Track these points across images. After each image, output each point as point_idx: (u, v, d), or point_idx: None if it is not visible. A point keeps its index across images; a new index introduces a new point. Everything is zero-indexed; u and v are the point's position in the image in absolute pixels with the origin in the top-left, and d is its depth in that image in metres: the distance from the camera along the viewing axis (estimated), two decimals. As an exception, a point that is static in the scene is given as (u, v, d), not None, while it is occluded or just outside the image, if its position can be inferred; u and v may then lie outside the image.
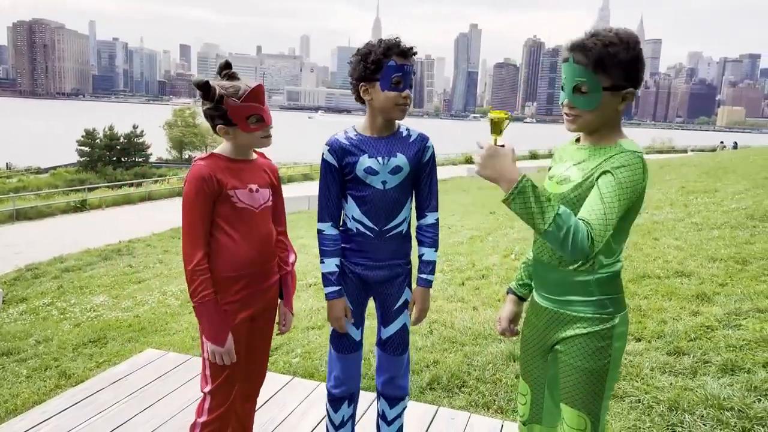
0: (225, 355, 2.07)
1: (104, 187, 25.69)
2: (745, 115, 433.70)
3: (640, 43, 1.68)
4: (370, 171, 2.17)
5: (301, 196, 17.65)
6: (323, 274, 2.25)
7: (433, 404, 3.22)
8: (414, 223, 2.33)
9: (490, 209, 11.40)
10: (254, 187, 2.19)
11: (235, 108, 2.06)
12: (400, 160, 2.20)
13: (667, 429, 2.84)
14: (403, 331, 2.35)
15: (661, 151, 41.95)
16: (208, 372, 2.14)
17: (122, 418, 2.97)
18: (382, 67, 2.10)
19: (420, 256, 2.32)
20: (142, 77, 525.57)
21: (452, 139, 70.24)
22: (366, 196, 2.19)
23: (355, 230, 2.23)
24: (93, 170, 37.53)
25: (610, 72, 1.65)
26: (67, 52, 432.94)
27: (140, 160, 41.39)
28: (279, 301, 2.37)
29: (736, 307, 4.16)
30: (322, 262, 2.25)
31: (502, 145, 1.67)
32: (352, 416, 2.45)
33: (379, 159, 2.18)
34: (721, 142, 44.64)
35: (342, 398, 2.39)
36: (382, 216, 2.20)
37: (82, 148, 39.30)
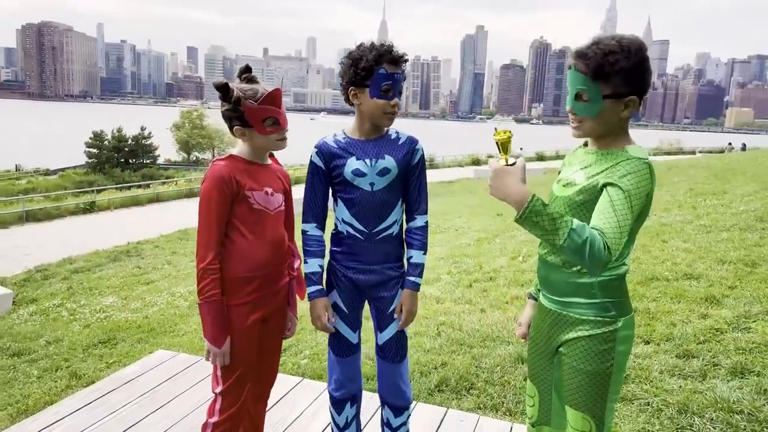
0: (220, 357, 2.10)
1: (112, 188, 25.85)
2: (754, 116, 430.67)
3: (644, 49, 1.68)
4: (357, 173, 2.18)
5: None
6: (306, 274, 2.26)
7: (442, 406, 3.22)
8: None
9: (497, 211, 11.38)
10: (269, 190, 2.22)
11: (252, 110, 2.10)
12: (388, 162, 2.20)
13: (677, 432, 2.84)
14: (401, 337, 2.34)
15: (668, 153, 41.73)
16: (219, 373, 2.16)
17: (134, 419, 3.00)
18: (373, 74, 2.10)
19: (408, 259, 2.32)
20: (150, 79, 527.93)
21: (459, 141, 70.18)
22: (354, 198, 2.20)
23: (345, 233, 2.25)
24: (101, 172, 37.72)
25: (610, 80, 1.65)
26: (76, 54, 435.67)
27: (148, 161, 41.55)
28: (287, 306, 2.39)
29: (746, 309, 4.15)
30: (305, 262, 2.26)
31: (513, 163, 1.67)
32: (356, 416, 2.47)
33: (367, 161, 2.19)
34: (729, 144, 44.39)
35: (344, 400, 2.40)
36: (371, 218, 2.20)
37: (91, 149, 39.52)
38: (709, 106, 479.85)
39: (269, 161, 2.32)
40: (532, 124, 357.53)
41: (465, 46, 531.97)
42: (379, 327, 2.34)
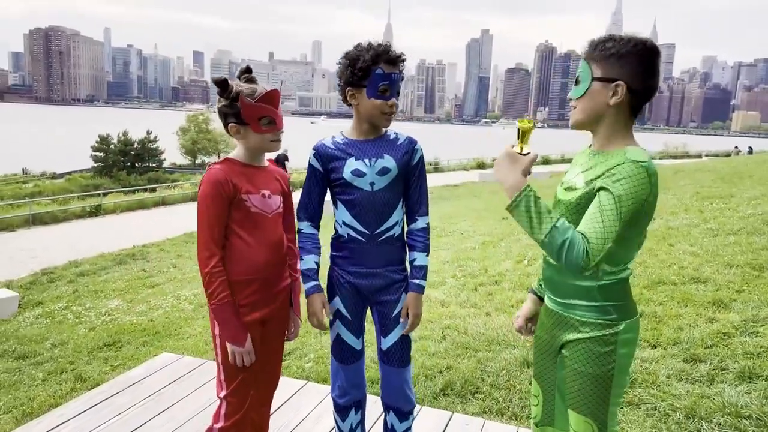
0: (246, 355, 2.09)
1: (118, 192, 25.96)
2: (760, 119, 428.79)
3: (650, 45, 1.67)
4: (357, 173, 2.16)
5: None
6: (302, 272, 2.25)
7: (447, 410, 3.21)
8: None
9: (502, 214, 11.34)
10: (267, 192, 2.21)
11: (249, 107, 2.09)
12: (388, 161, 2.18)
13: (684, 437, 2.81)
14: (404, 341, 2.30)
15: (675, 156, 41.57)
16: (222, 377, 2.15)
17: (139, 421, 3.00)
18: (370, 75, 2.09)
19: (411, 261, 2.29)
20: (156, 83, 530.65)
21: (464, 145, 70.14)
22: (354, 199, 2.17)
23: (346, 236, 2.21)
24: (107, 175, 37.90)
25: (602, 62, 1.68)
26: (83, 58, 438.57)
27: (154, 165, 41.75)
28: (289, 307, 2.38)
29: (754, 314, 4.12)
30: (301, 259, 2.25)
31: (527, 153, 1.72)
32: (361, 422, 2.44)
33: (366, 161, 2.17)
34: (736, 147, 44.20)
35: (348, 407, 2.36)
36: (372, 219, 2.17)
37: (97, 153, 39.74)
38: (715, 109, 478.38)
39: (266, 163, 2.30)
40: (538, 127, 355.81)
41: (470, 50, 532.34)
42: (383, 332, 2.30)
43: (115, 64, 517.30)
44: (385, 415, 2.41)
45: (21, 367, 5.20)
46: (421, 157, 2.30)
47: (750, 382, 3.20)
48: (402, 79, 2.19)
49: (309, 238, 2.27)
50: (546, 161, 38.14)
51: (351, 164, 2.17)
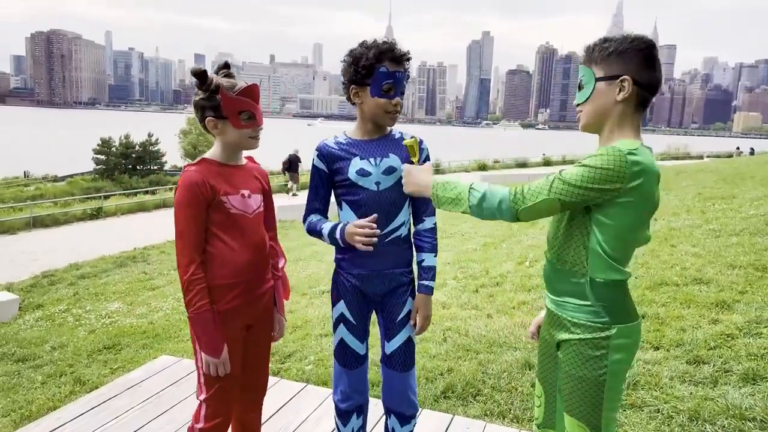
0: (221, 366, 2.03)
1: (120, 194, 25.95)
2: (762, 120, 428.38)
3: (647, 41, 1.68)
4: (362, 173, 2.12)
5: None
6: (329, 236, 2.15)
7: (448, 413, 3.18)
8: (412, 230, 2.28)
9: (503, 216, 11.34)
10: (246, 192, 2.15)
11: (230, 100, 2.02)
12: (393, 160, 2.14)
13: (688, 439, 2.78)
14: (409, 345, 2.26)
15: (676, 158, 41.50)
16: (202, 380, 2.10)
17: (137, 424, 2.98)
18: (373, 73, 2.05)
19: (419, 262, 2.26)
20: (158, 86, 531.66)
21: (465, 146, 70.11)
22: (360, 199, 2.13)
23: None
24: (109, 178, 37.87)
25: (602, 63, 1.68)
26: (84, 62, 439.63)
27: (155, 168, 41.73)
28: (273, 308, 2.32)
29: (757, 315, 4.09)
30: (320, 231, 2.18)
31: (422, 163, 1.94)
32: (362, 427, 2.40)
33: (371, 160, 2.13)
34: (738, 148, 44.15)
35: (350, 412, 2.32)
36: (379, 219, 2.13)
37: (98, 156, 39.74)
38: (716, 110, 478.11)
39: (244, 161, 2.23)
40: (538, 129, 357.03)
41: (471, 52, 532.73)
42: (387, 335, 2.27)
43: (117, 67, 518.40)
44: (386, 419, 2.37)
45: (20, 370, 5.18)
46: (427, 156, 2.26)
47: (754, 384, 3.17)
48: (407, 78, 2.15)
49: (318, 219, 2.23)
50: (547, 163, 38.11)
51: (356, 164, 2.13)
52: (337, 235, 2.13)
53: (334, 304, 2.28)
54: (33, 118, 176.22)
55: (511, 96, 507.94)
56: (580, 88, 1.75)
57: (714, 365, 3.43)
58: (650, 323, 4.17)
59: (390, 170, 2.14)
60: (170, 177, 40.42)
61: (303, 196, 20.92)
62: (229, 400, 2.16)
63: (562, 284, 1.76)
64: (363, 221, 2.11)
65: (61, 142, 71.65)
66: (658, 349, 3.77)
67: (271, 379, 3.56)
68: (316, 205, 2.25)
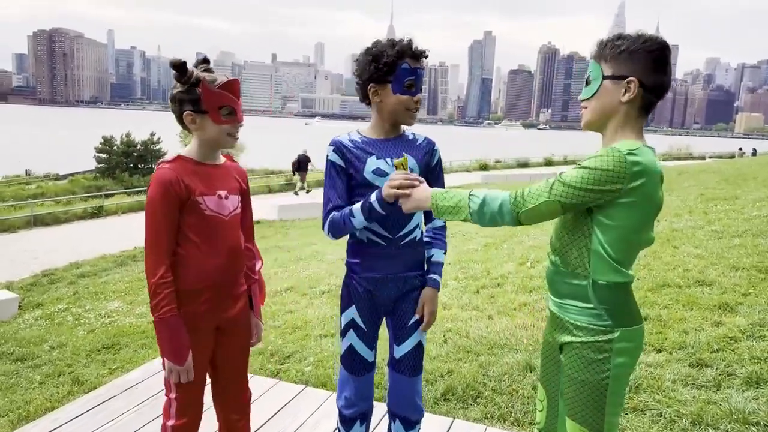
0: (184, 374, 1.98)
1: (121, 193, 25.94)
2: (764, 121, 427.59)
3: (661, 42, 1.64)
4: (378, 172, 2.08)
5: (315, 203, 17.64)
6: (362, 208, 1.99)
7: (448, 416, 3.15)
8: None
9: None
10: (223, 193, 2.07)
11: (211, 93, 1.96)
12: (409, 160, 2.11)
13: (691, 444, 2.75)
14: (418, 350, 2.23)
15: (678, 158, 41.47)
16: (170, 381, 2.04)
17: (134, 426, 2.95)
18: (395, 70, 2.03)
19: (429, 258, 2.25)
20: (159, 85, 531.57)
21: (466, 146, 70.05)
22: None
23: (366, 240, 2.13)
24: (110, 177, 37.89)
25: (612, 61, 1.66)
26: (86, 60, 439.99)
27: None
28: (250, 311, 2.27)
29: (760, 317, 4.05)
30: (350, 217, 2.03)
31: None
32: None
33: (388, 160, 2.10)
34: (740, 149, 44.07)
35: (354, 419, 2.28)
36: (394, 222, 2.09)
37: (100, 155, 39.75)
38: (718, 111, 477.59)
39: (222, 159, 2.15)
40: (540, 129, 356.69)
41: (473, 52, 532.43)
42: (397, 340, 2.24)
43: (119, 66, 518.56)
44: (390, 423, 2.34)
45: (19, 369, 5.16)
46: (440, 157, 2.27)
47: (757, 388, 3.14)
48: (424, 75, 2.16)
49: (342, 209, 2.09)
50: (549, 163, 38.07)
51: (372, 163, 2.10)
52: (373, 197, 1.96)
53: (343, 310, 2.23)
54: (35, 117, 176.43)
55: (513, 96, 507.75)
56: (587, 83, 1.74)
57: (717, 368, 3.40)
58: (652, 325, 4.13)
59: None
60: (171, 176, 40.37)
61: (313, 195, 20.91)
62: (198, 397, 2.12)
63: (564, 286, 1.74)
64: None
65: (63, 140, 71.72)
66: (661, 352, 3.74)
67: (269, 381, 3.54)
68: (337, 201, 2.11)
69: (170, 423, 2.08)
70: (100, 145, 40.00)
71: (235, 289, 2.14)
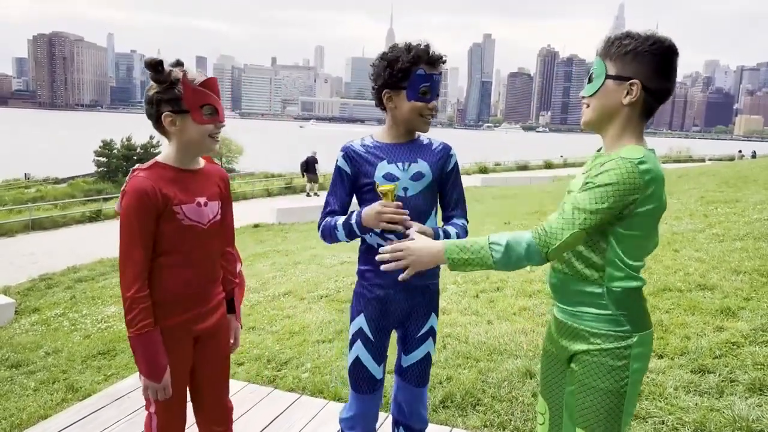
0: (161, 391, 1.91)
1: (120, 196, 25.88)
2: (764, 123, 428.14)
3: (669, 44, 1.60)
4: (389, 177, 2.03)
5: (314, 206, 17.59)
6: (344, 225, 2.02)
7: (447, 424, 3.10)
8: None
9: (504, 219, 11.26)
10: (202, 200, 1.98)
11: (192, 91, 1.86)
12: (422, 166, 2.06)
13: (694, 453, 2.70)
14: (426, 361, 2.18)
15: (678, 161, 41.42)
16: (148, 395, 1.97)
17: (125, 437, 2.89)
18: (410, 76, 1.98)
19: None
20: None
21: (466, 149, 70.09)
22: None
23: (376, 246, 2.07)
24: (110, 180, 37.88)
25: (617, 60, 1.61)
26: (86, 64, 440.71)
27: (156, 170, 41.71)
28: (230, 316, 2.20)
29: (763, 322, 4.00)
30: (335, 227, 2.04)
31: (406, 235, 1.84)
32: None
33: (399, 165, 2.05)
34: (740, 151, 44.07)
35: None
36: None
37: (100, 158, 39.73)
38: (718, 113, 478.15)
39: (202, 163, 2.05)
40: (539, 132, 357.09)
41: (472, 55, 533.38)
42: (405, 350, 2.19)
43: (119, 70, 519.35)
44: (394, 429, 2.30)
45: (13, 376, 5.09)
46: (456, 163, 2.19)
47: (761, 395, 3.09)
48: (441, 81, 2.08)
49: (333, 219, 2.10)
50: (548, 165, 38.02)
51: (383, 168, 2.05)
52: (353, 219, 1.99)
53: (352, 319, 2.18)
54: (34, 120, 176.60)
55: (513, 99, 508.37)
56: (590, 80, 1.69)
57: (719, 375, 3.35)
58: (654, 330, 4.07)
59: (418, 176, 2.06)
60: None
61: (314, 197, 20.90)
62: (179, 411, 2.05)
63: (575, 294, 1.69)
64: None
65: (63, 144, 71.74)
66: (662, 358, 3.69)
67: (263, 390, 3.49)
68: (333, 207, 2.13)
69: None
70: (99, 149, 39.99)
71: (211, 298, 2.07)
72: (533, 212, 11.89)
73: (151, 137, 41.23)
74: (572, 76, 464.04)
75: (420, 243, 1.73)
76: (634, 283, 1.65)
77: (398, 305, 2.12)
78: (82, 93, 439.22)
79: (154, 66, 1.86)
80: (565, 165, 38.04)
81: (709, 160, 42.17)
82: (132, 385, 3.50)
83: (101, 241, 14.58)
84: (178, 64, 1.94)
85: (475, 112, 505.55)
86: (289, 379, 3.92)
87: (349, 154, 2.09)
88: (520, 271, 6.56)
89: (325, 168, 21.76)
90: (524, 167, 37.47)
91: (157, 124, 1.91)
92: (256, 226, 15.11)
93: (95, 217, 18.56)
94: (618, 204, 1.52)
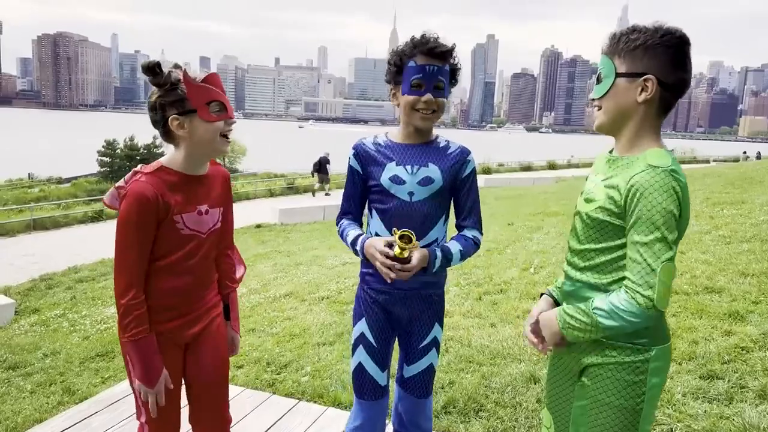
0: (153, 397, 1.84)
1: (122, 197, 25.86)
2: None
3: (680, 36, 1.50)
4: (396, 180, 1.93)
5: (317, 206, 17.54)
6: (351, 246, 1.99)
7: (449, 431, 3.02)
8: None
9: (507, 220, 11.16)
10: (204, 208, 1.90)
11: (196, 88, 1.77)
12: (432, 171, 1.94)
13: (704, 463, 2.62)
14: (428, 373, 2.08)
15: (683, 162, 41.23)
16: (140, 402, 1.90)
17: (119, 442, 2.83)
18: (404, 69, 1.90)
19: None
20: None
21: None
22: (390, 208, 1.94)
23: None
24: (114, 180, 37.93)
25: (627, 56, 1.51)
26: (90, 64, 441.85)
27: (159, 170, 41.71)
28: (226, 322, 2.12)
29: (772, 327, 3.91)
30: (346, 241, 2.01)
31: (408, 257, 1.83)
32: None
33: (408, 167, 1.94)
34: (744, 152, 43.87)
35: None
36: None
37: (103, 158, 39.77)
38: (722, 114, 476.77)
39: (207, 167, 1.95)
40: (542, 132, 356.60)
41: (475, 56, 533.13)
42: (407, 360, 2.10)
43: (123, 70, 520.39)
44: None
45: (10, 378, 5.04)
46: (473, 169, 2.05)
47: (772, 402, 3.00)
48: (444, 74, 1.92)
49: (348, 221, 2.07)
50: (552, 166, 37.89)
51: (390, 169, 1.95)
52: (358, 247, 1.96)
53: (354, 323, 2.10)
54: (39, 121, 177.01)
55: (516, 99, 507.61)
56: (598, 81, 1.59)
57: (729, 381, 3.26)
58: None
59: (426, 181, 1.94)
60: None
61: (319, 198, 20.84)
62: (172, 420, 1.97)
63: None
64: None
65: (67, 144, 71.87)
66: (670, 363, 3.60)
67: (261, 395, 3.41)
68: (348, 208, 2.08)
69: None
70: (102, 149, 40.05)
71: (206, 304, 1.99)
72: (537, 213, 11.79)
73: (154, 137, 41.23)
74: (576, 77, 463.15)
75: (545, 321, 1.65)
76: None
77: (400, 312, 2.03)
78: (86, 93, 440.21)
79: (152, 69, 1.76)
80: (569, 166, 37.90)
81: (714, 161, 41.97)
82: (125, 390, 3.43)
83: (103, 241, 14.53)
84: (176, 67, 1.85)
85: (478, 113, 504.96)
86: (288, 383, 3.85)
87: (359, 152, 2.02)
88: (523, 273, 6.48)
89: (337, 168, 21.74)
90: (528, 168, 37.35)
91: (165, 131, 1.82)
92: (258, 226, 15.04)
93: (97, 216, 18.53)
94: (680, 215, 1.43)
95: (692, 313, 4.38)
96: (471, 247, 2.01)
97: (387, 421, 2.22)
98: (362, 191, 2.03)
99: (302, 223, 15.54)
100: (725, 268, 5.47)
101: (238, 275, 2.16)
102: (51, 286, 9.82)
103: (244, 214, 14.88)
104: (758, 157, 39.23)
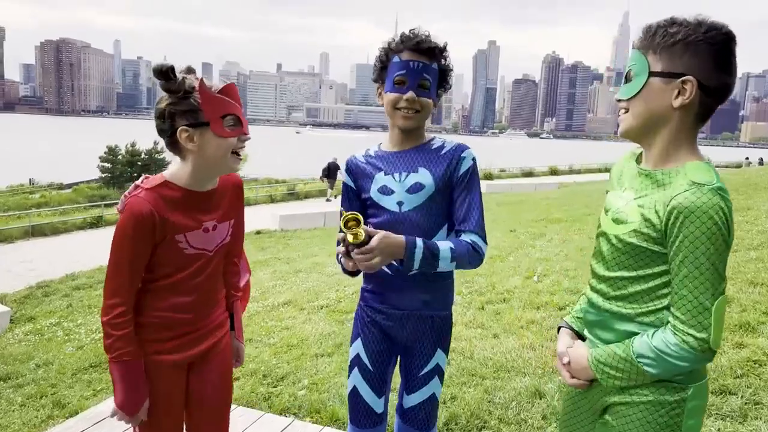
0: (133, 421, 1.71)
1: (122, 202, 25.76)
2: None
3: (727, 32, 1.28)
4: (384, 190, 1.80)
5: (317, 213, 17.43)
6: (337, 257, 1.79)
7: (451, 450, 2.89)
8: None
9: (510, 227, 11.03)
10: (211, 224, 1.74)
11: (212, 99, 1.61)
12: (422, 176, 1.77)
13: (720, 486, 2.48)
14: (430, 404, 1.90)
15: (684, 167, 41.09)
16: (136, 430, 1.78)
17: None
18: (388, 65, 1.77)
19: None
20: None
21: (471, 155, 69.77)
22: (380, 222, 1.79)
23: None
24: (114, 186, 37.85)
25: (663, 53, 1.30)
26: (93, 70, 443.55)
27: (160, 176, 41.67)
28: (231, 332, 1.99)
29: (786, 339, 3.78)
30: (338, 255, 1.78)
31: (366, 240, 1.61)
32: None
33: (396, 175, 1.79)
34: (747, 158, 43.75)
35: None
36: None
37: (104, 164, 39.73)
38: (724, 120, 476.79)
39: (216, 181, 1.78)
40: (543, 138, 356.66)
41: (477, 61, 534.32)
42: (407, 388, 1.93)
43: (125, 76, 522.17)
44: None
45: (1, 390, 4.91)
46: (472, 166, 1.83)
47: (789, 420, 2.87)
48: (429, 72, 1.76)
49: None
50: (554, 172, 37.79)
51: (379, 180, 1.81)
52: (342, 260, 1.76)
53: (351, 342, 1.96)
54: (41, 126, 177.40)
55: (517, 105, 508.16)
56: (627, 79, 1.38)
57: (742, 396, 3.13)
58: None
59: (416, 188, 1.77)
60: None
61: (321, 204, 20.74)
62: None
63: (622, 334, 1.40)
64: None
65: (69, 149, 71.93)
66: (680, 377, 3.47)
67: (253, 414, 3.28)
68: None
69: None
70: (104, 155, 40.04)
71: (210, 319, 1.86)
72: (539, 219, 11.66)
73: (156, 143, 41.20)
74: (577, 83, 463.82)
75: (576, 352, 1.49)
76: None
77: (398, 333, 1.88)
78: (89, 99, 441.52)
79: (165, 73, 1.60)
80: (571, 171, 37.76)
81: (717, 167, 41.85)
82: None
83: (101, 248, 14.42)
84: (190, 71, 1.69)
85: (479, 119, 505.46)
86: (284, 397, 3.72)
87: (350, 167, 1.90)
88: (526, 282, 6.35)
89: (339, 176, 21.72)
90: (529, 174, 37.25)
91: (171, 141, 1.66)
92: (258, 232, 14.93)
93: (96, 223, 18.42)
94: (725, 244, 1.25)
95: (701, 324, 4.24)
96: (467, 251, 1.74)
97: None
98: (359, 207, 1.88)
99: (302, 229, 15.43)
100: (733, 277, 5.33)
101: (242, 283, 2.05)
102: (47, 293, 9.70)
103: (244, 221, 14.77)
104: (761, 162, 39.09)
